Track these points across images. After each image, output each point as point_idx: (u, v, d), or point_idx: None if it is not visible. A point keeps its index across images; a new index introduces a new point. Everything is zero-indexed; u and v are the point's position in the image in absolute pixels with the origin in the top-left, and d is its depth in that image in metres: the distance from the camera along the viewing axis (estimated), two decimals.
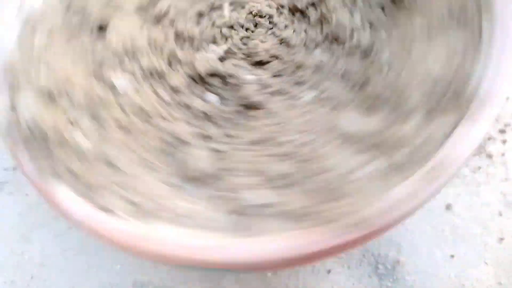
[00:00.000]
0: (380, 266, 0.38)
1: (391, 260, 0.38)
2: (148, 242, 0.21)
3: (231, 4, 0.32)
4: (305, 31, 0.31)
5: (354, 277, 0.38)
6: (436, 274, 0.38)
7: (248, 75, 0.30)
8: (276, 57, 0.30)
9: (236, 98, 0.29)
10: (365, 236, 0.21)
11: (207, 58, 0.30)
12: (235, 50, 0.31)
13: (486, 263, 0.39)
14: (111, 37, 0.30)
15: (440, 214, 0.40)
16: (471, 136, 0.22)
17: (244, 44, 0.31)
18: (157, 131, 0.27)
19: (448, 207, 0.41)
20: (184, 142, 0.27)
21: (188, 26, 0.31)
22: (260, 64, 0.30)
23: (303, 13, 0.32)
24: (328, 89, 0.29)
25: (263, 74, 0.30)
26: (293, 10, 0.32)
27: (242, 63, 0.30)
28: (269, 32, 0.31)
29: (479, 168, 0.43)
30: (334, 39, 0.30)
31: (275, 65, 0.30)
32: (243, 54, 0.30)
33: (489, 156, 0.44)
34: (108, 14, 0.31)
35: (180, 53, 0.30)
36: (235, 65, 0.30)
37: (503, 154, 0.43)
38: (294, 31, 0.31)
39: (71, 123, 0.26)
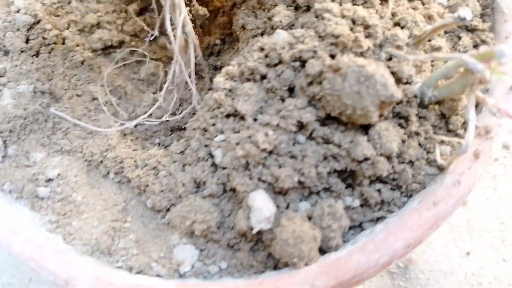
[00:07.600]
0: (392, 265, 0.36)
1: (403, 258, 0.37)
2: None
3: None
4: None
5: None
6: (451, 272, 0.36)
7: None
8: None
9: None
10: None
11: None
12: None
13: (504, 260, 0.37)
14: None
15: None
16: None
17: None
18: None
19: (463, 201, 0.39)
20: None
21: None
22: None
23: None
24: None
25: None
26: None
27: None
28: None
29: (495, 159, 0.41)
30: None
31: None
32: None
33: (506, 147, 0.41)
34: None
35: None
36: None
37: None
38: None
39: None
